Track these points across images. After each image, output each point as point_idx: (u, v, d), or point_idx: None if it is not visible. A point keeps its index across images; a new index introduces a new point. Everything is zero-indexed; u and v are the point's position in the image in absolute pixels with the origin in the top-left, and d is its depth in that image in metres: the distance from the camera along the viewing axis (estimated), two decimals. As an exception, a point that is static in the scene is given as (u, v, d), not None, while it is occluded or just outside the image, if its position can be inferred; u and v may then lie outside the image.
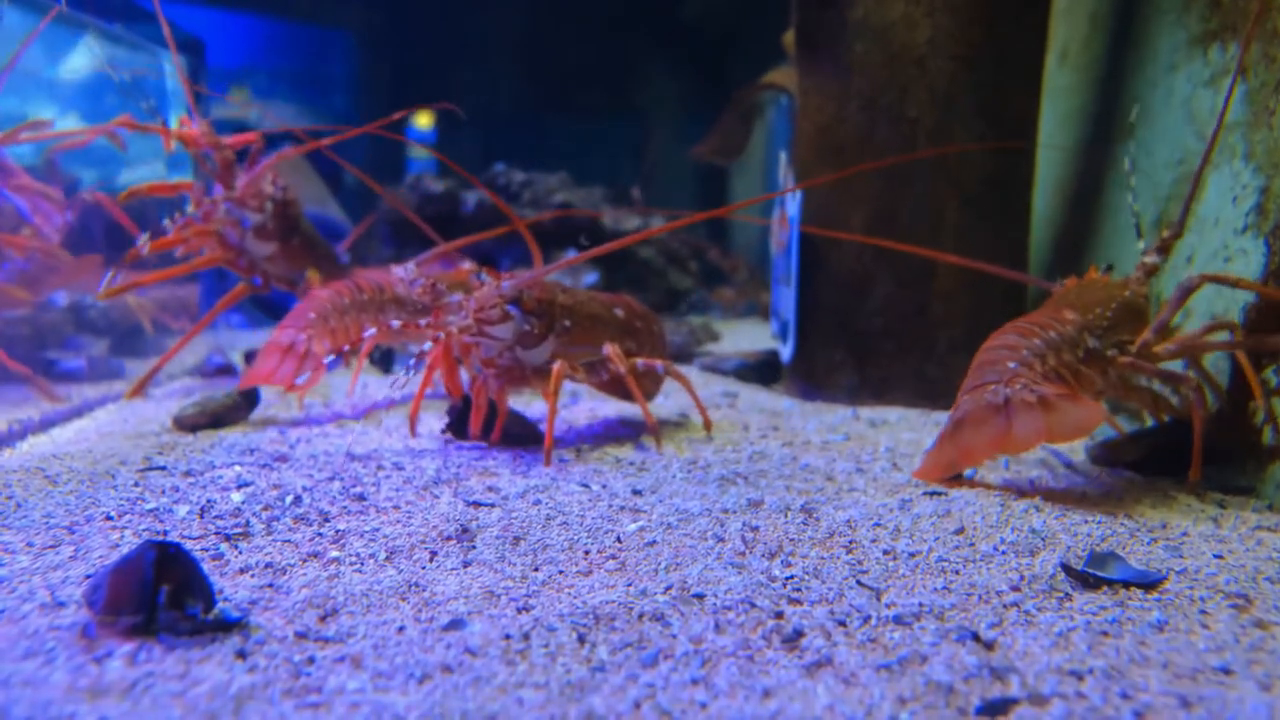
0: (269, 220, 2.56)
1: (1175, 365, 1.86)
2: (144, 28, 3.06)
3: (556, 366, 1.87)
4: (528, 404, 2.44)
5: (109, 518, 1.43)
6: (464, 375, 1.99)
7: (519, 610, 1.13)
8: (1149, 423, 1.94)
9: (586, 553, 1.33)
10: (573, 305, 1.99)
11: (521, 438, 2.00)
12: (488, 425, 1.94)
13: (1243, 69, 1.75)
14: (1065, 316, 1.75)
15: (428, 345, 1.83)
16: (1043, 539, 1.39)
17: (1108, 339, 1.75)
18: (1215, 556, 1.35)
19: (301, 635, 1.04)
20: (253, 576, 1.22)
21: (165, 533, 1.38)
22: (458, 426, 2.00)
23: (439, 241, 2.51)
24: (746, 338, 4.46)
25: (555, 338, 1.94)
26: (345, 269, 2.86)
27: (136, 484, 1.62)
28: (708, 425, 2.18)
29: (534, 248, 2.02)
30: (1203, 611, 1.14)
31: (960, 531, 1.44)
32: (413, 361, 1.77)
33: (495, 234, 2.40)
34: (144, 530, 1.39)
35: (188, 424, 2.11)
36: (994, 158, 2.49)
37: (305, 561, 1.28)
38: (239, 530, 1.39)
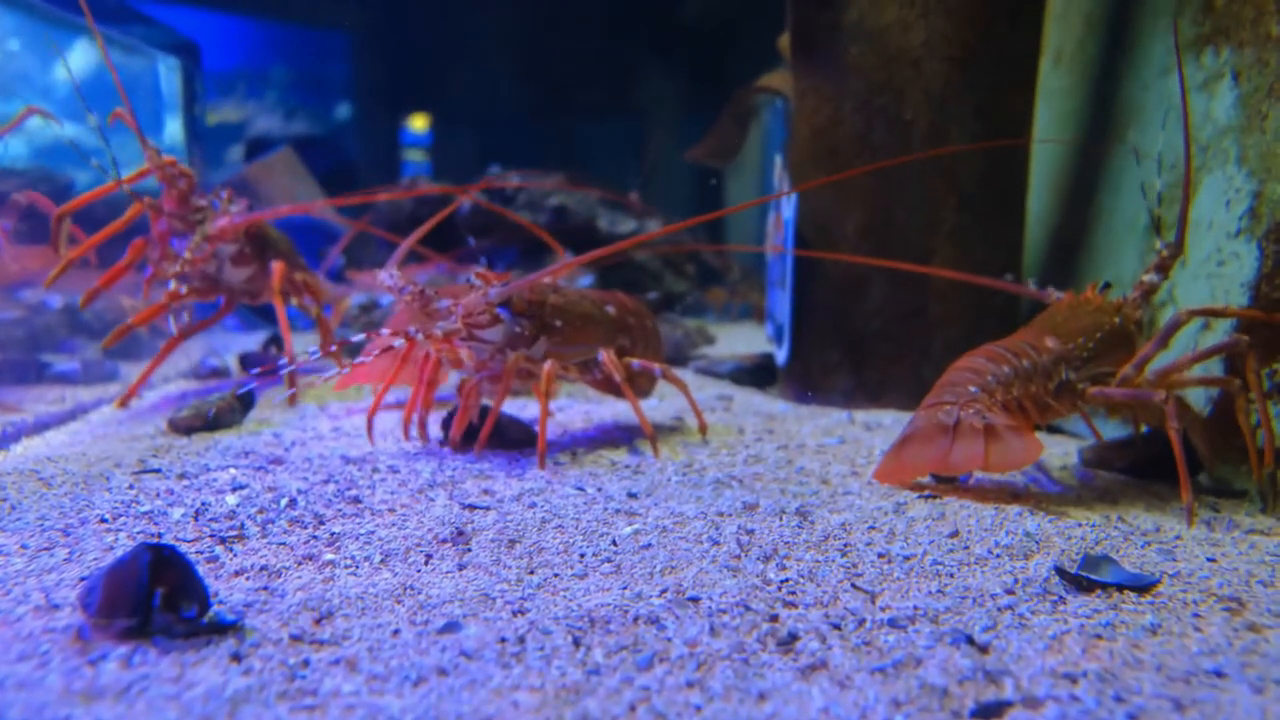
0: (245, 246, 2.51)
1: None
2: (140, 29, 3.06)
3: (547, 366, 1.86)
4: (523, 407, 2.44)
5: (103, 520, 1.43)
6: (456, 377, 1.99)
7: (514, 613, 1.13)
8: (1144, 427, 1.95)
9: (582, 556, 1.33)
10: (564, 305, 1.99)
11: (517, 441, 2.00)
12: (472, 431, 1.93)
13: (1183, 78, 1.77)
14: (1045, 345, 1.76)
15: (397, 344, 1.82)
16: (1037, 542, 1.40)
17: (1086, 371, 1.75)
18: (1208, 560, 1.36)
19: (296, 638, 1.04)
20: (248, 579, 1.22)
21: (160, 535, 1.38)
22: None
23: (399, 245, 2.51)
24: (742, 341, 4.46)
25: (547, 338, 1.94)
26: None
27: (131, 486, 1.62)
28: (703, 428, 2.18)
29: (555, 245, 2.04)
30: (1196, 615, 1.15)
31: (955, 535, 1.44)
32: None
33: (437, 222, 2.42)
34: (139, 533, 1.38)
35: (183, 426, 2.11)
36: (990, 158, 2.50)
37: (300, 564, 1.28)
38: (234, 533, 1.39)
